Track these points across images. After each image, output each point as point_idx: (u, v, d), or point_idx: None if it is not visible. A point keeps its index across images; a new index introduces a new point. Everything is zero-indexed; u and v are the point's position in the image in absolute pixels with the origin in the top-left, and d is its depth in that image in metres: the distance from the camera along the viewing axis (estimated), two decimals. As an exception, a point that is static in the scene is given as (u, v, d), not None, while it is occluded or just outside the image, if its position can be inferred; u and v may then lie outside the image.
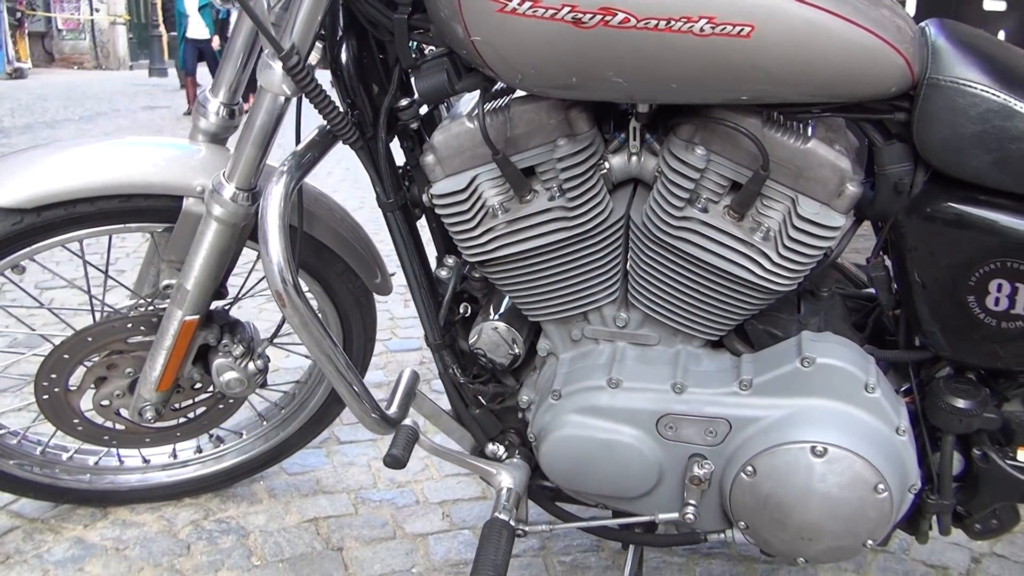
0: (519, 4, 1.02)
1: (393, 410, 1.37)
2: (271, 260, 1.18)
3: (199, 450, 1.85)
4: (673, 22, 1.00)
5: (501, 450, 1.42)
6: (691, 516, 1.28)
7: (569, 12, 1.01)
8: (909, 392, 1.29)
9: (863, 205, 1.17)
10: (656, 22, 1.00)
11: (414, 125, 1.31)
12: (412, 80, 1.26)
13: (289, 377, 2.28)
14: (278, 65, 1.21)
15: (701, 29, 1.01)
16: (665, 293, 1.25)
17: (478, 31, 1.05)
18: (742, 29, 1.01)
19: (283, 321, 1.59)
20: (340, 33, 1.27)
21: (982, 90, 1.07)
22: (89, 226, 1.42)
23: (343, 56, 1.27)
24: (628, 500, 1.34)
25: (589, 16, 1.00)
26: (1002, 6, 2.81)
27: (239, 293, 1.66)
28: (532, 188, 1.22)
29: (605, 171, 1.23)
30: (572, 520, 1.45)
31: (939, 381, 1.25)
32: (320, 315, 1.63)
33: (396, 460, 1.28)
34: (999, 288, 1.12)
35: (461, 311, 1.44)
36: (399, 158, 1.34)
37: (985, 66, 1.10)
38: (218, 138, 1.47)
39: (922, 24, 1.21)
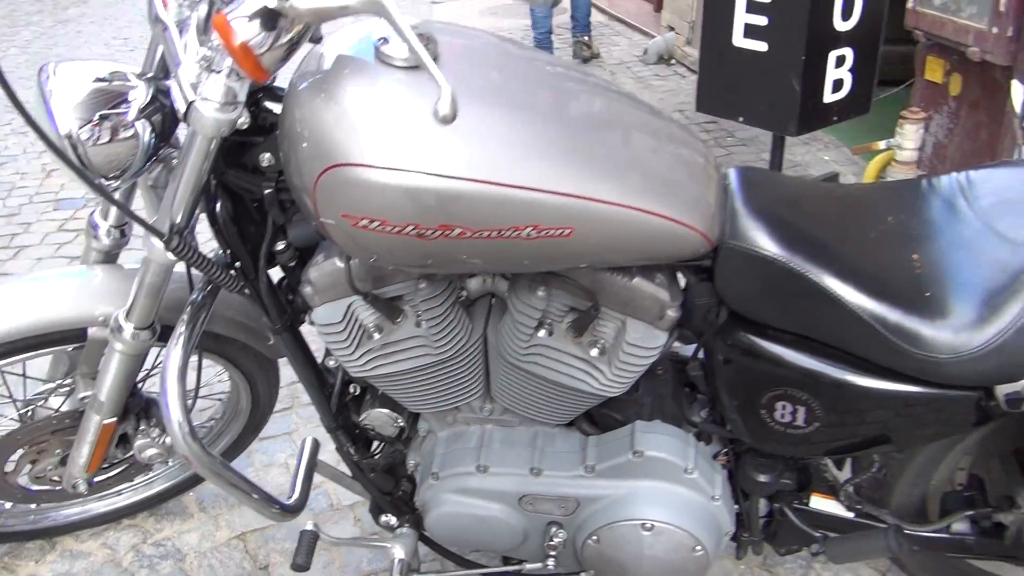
0: (368, 223, 1.17)
1: (295, 497, 1.59)
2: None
3: (131, 479, 2.06)
4: (504, 231, 1.17)
5: (393, 520, 1.66)
6: (552, 566, 1.56)
7: (413, 229, 1.16)
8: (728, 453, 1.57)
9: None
10: (489, 232, 1.17)
11: (292, 263, 1.46)
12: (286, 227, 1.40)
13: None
14: (160, 243, 1.35)
15: (528, 235, 1.18)
16: (519, 396, 1.47)
17: (329, 220, 1.17)
18: (563, 231, 1.19)
19: (198, 382, 1.76)
20: (215, 194, 1.39)
21: (769, 255, 1.28)
22: (4, 358, 1.58)
23: (219, 212, 1.40)
24: (501, 553, 1.61)
25: (431, 231, 1.17)
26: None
27: (152, 367, 1.82)
28: (402, 310, 1.40)
29: (463, 296, 1.42)
30: (466, 563, 1.73)
31: (746, 456, 1.52)
32: (231, 384, 1.82)
33: (301, 567, 1.52)
34: (784, 407, 1.37)
35: (351, 391, 1.64)
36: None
37: (773, 231, 1.30)
38: (111, 255, 1.60)
39: (726, 172, 1.39)
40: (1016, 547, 1.41)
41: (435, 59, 1.14)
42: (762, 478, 1.50)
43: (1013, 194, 1.35)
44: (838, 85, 3.01)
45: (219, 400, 2.06)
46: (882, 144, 3.63)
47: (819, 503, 1.57)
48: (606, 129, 1.24)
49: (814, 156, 4.15)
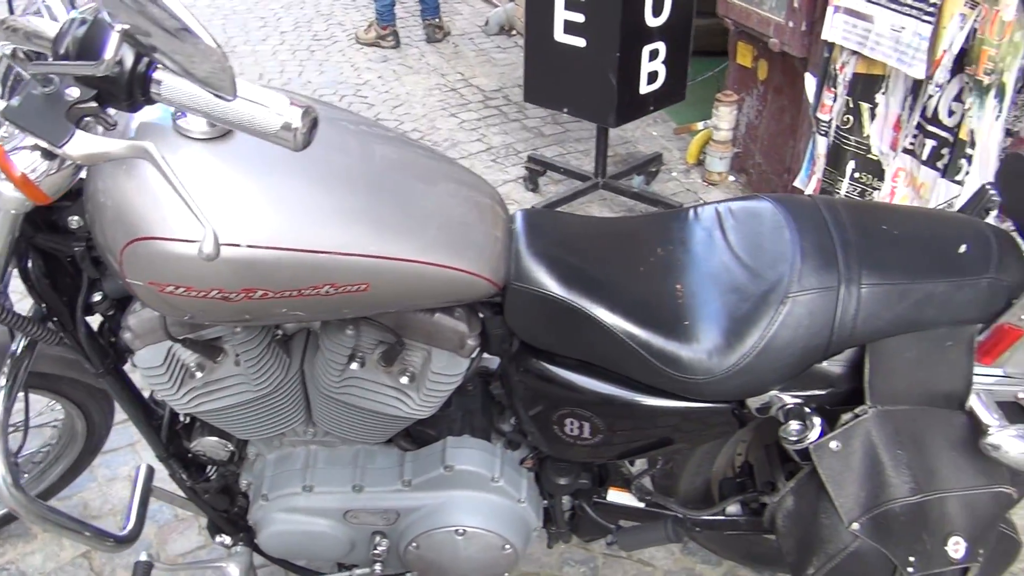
0: (174, 289, 1.25)
1: (129, 527, 1.67)
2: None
3: (-32, 507, 2.09)
4: (304, 290, 1.28)
5: (228, 540, 1.77)
6: (379, 570, 1.71)
7: (218, 294, 1.26)
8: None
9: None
10: (290, 292, 1.28)
11: (110, 312, 1.52)
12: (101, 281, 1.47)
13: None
14: None
15: (327, 292, 1.29)
16: (337, 422, 1.60)
17: (137, 283, 1.24)
18: (360, 287, 1.31)
19: (27, 418, 1.80)
20: (26, 253, 1.43)
21: (549, 294, 1.43)
22: None
23: (32, 270, 1.44)
24: (331, 561, 1.75)
25: (234, 295, 1.26)
26: None
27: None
28: (222, 349, 1.49)
29: (279, 334, 1.53)
30: (302, 571, 1.86)
31: (547, 461, 1.69)
32: (64, 413, 1.87)
33: None
34: (572, 423, 1.54)
35: (182, 419, 1.72)
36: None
37: (553, 271, 1.45)
38: None
39: (513, 215, 1.54)
40: (772, 524, 1.63)
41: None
42: (562, 480, 1.68)
43: (757, 226, 1.53)
44: (653, 77, 3.20)
45: (53, 427, 2.10)
46: (700, 125, 3.87)
47: (616, 496, 1.77)
48: (398, 187, 1.36)
49: (644, 132, 4.37)
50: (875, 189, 2.85)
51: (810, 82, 3.03)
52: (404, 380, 1.51)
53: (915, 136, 2.66)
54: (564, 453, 1.62)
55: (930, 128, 2.59)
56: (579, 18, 3.06)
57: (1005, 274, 1.44)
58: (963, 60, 2.41)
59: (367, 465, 1.68)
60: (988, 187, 1.57)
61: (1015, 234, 1.50)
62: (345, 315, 1.39)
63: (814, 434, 1.46)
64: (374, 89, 4.97)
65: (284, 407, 1.57)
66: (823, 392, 1.51)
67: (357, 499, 1.65)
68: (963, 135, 2.44)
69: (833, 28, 2.82)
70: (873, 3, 2.66)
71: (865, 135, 2.83)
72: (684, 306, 1.47)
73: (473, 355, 1.52)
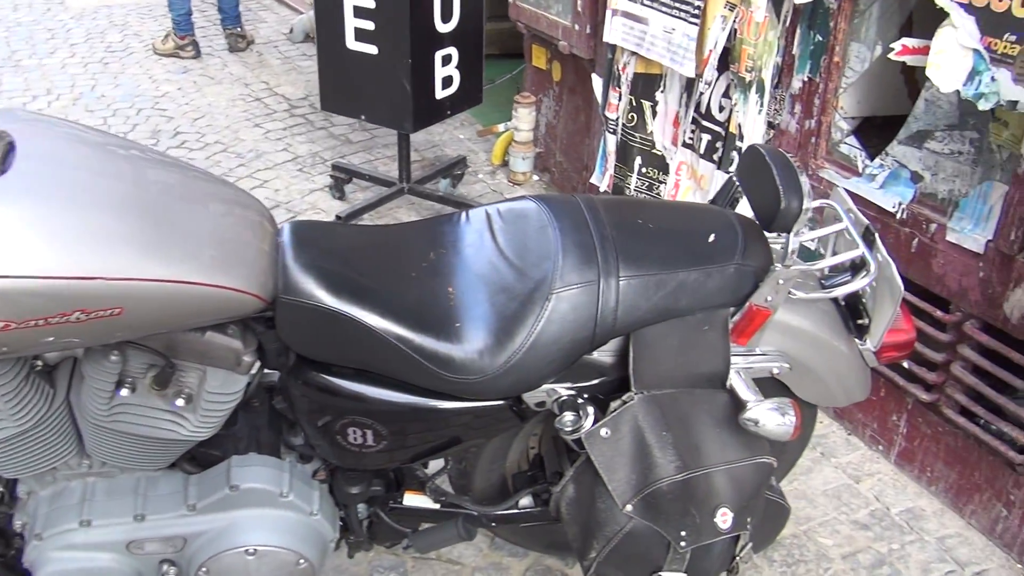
0: None
1: None
2: None
3: None
4: (51, 319, 1.23)
5: None
6: None
7: None
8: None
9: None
10: (35, 322, 1.23)
11: None
12: None
13: None
14: None
15: (78, 318, 1.25)
16: (112, 452, 1.54)
17: None
18: (112, 311, 1.26)
19: None
20: None
21: (319, 305, 1.43)
22: None
23: None
24: None
25: None
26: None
27: None
28: None
29: (39, 365, 1.46)
30: None
31: (338, 471, 1.69)
32: None
33: None
34: (354, 431, 1.54)
35: None
36: None
37: (323, 282, 1.45)
38: None
39: (281, 227, 1.53)
40: (557, 512, 1.69)
41: (10, 150, 1.24)
42: (354, 489, 1.68)
43: (524, 226, 1.59)
44: (448, 82, 3.24)
45: None
46: (501, 127, 3.95)
47: (412, 500, 1.78)
48: (162, 208, 1.34)
49: (451, 135, 4.42)
50: (661, 183, 2.99)
51: (597, 82, 3.14)
52: (180, 402, 1.47)
53: (692, 131, 2.81)
54: (351, 462, 1.62)
55: (704, 123, 2.75)
56: (369, 26, 3.06)
57: (750, 259, 1.55)
58: (727, 59, 2.57)
59: (149, 492, 1.62)
60: (734, 179, 1.69)
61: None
62: (106, 341, 1.35)
63: (588, 423, 1.53)
64: (174, 101, 4.79)
65: (51, 441, 1.50)
66: (596, 382, 1.58)
67: (140, 529, 1.59)
68: (732, 129, 2.60)
69: (613, 31, 2.94)
70: (647, 6, 2.79)
71: (649, 132, 2.97)
72: (455, 308, 1.51)
73: (252, 372, 1.50)
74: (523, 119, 3.80)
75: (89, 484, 1.62)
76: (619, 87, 3.01)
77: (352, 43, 3.13)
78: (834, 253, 1.68)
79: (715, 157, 2.73)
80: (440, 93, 3.22)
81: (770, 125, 2.56)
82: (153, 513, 1.60)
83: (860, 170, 2.34)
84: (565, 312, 1.47)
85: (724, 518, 1.54)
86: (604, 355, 1.57)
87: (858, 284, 1.59)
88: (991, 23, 1.88)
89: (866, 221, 1.65)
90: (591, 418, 1.53)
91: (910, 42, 2.12)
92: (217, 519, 1.61)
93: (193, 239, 1.34)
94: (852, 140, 2.37)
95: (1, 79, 5.01)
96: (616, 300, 1.49)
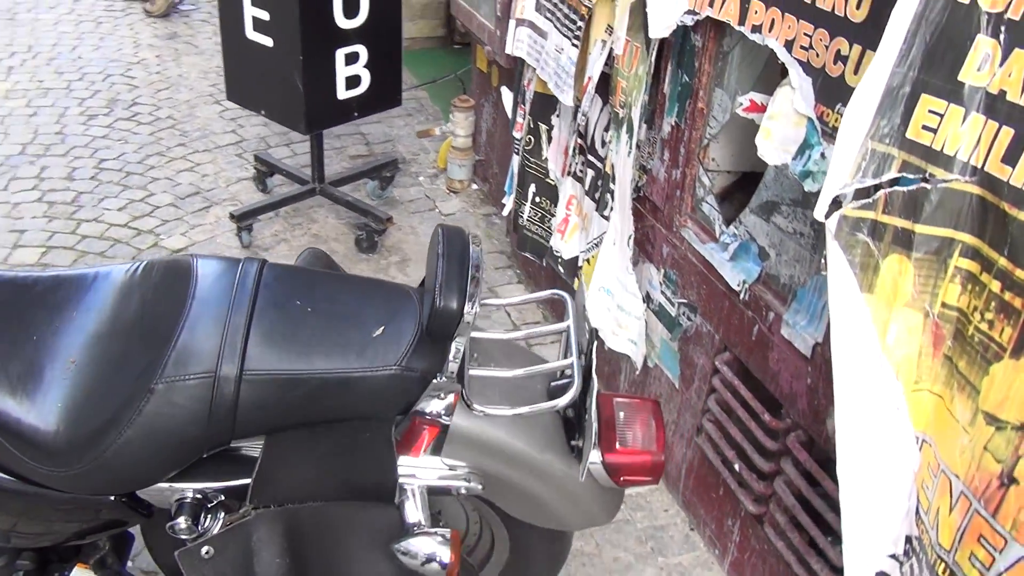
0: None
1: None
2: None
3: None
4: None
5: None
6: None
7: None
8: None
9: None
10: None
11: None
12: None
13: None
14: None
15: None
16: None
17: None
18: None
19: None
20: None
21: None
22: None
23: None
24: None
25: None
26: None
27: None
28: None
29: None
30: None
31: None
32: None
33: None
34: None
35: None
36: None
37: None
38: None
39: None
40: None
41: None
42: None
43: (170, 290, 1.35)
44: (354, 82, 3.00)
45: None
46: (437, 130, 3.70)
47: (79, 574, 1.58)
48: None
49: (409, 131, 4.18)
50: (552, 215, 2.70)
51: (507, 97, 2.87)
52: None
53: (582, 164, 2.51)
54: None
55: (589, 157, 2.45)
56: (265, 16, 2.84)
57: (417, 363, 1.29)
58: (608, 89, 2.27)
59: None
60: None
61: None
62: None
63: (217, 527, 1.31)
64: (146, 69, 4.67)
65: None
66: (237, 483, 1.35)
67: None
68: (607, 168, 2.30)
69: (518, 42, 2.65)
70: (548, 18, 2.49)
71: (544, 158, 2.68)
72: (65, 384, 1.29)
73: None
74: (460, 124, 3.53)
75: None
76: (524, 105, 2.72)
77: (251, 32, 2.91)
78: (563, 356, 1.40)
79: (596, 196, 2.44)
80: (343, 94, 2.98)
81: (643, 169, 2.26)
82: None
83: (717, 235, 2.02)
84: (170, 405, 1.24)
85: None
86: (250, 452, 1.34)
87: (549, 405, 1.32)
88: (826, 89, 1.55)
89: (592, 326, 1.38)
90: (220, 524, 1.31)
91: (759, 98, 1.80)
92: None
93: None
94: (712, 200, 2.05)
95: (-13, 33, 4.98)
96: (235, 398, 1.25)
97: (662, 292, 2.25)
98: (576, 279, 2.57)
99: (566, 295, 1.44)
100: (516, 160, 2.83)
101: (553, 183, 2.68)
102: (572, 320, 1.39)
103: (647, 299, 2.32)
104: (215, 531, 1.31)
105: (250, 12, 2.87)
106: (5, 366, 1.29)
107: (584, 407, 1.36)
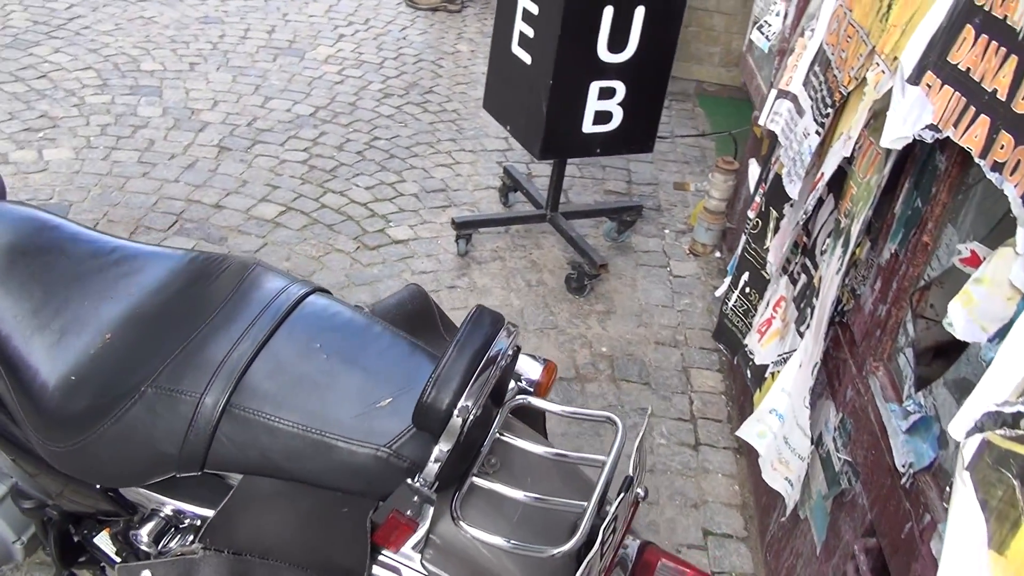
0: None
1: None
2: None
3: None
4: None
5: None
6: None
7: None
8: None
9: None
10: None
11: None
12: None
13: None
14: None
15: None
16: None
17: None
18: None
19: None
20: None
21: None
22: None
23: None
24: None
25: None
26: None
27: None
28: None
29: None
30: None
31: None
32: None
33: None
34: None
35: None
36: None
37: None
38: None
39: None
40: None
41: None
42: (26, 503, 1.52)
43: (212, 288, 1.29)
44: (604, 117, 2.84)
45: None
46: (692, 187, 3.44)
47: (102, 539, 1.58)
48: None
49: (681, 175, 3.95)
50: (755, 311, 2.39)
51: (753, 170, 2.58)
52: None
53: (800, 267, 2.19)
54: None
55: (806, 262, 2.12)
56: (531, 32, 2.76)
57: (408, 451, 1.13)
58: (840, 192, 1.94)
59: None
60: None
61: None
62: None
63: (176, 544, 1.23)
64: (456, 62, 4.81)
65: None
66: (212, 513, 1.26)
67: None
68: (816, 280, 1.97)
69: (775, 115, 2.36)
70: (810, 96, 2.19)
71: (765, 247, 2.37)
72: (88, 357, 1.26)
73: None
74: (717, 185, 3.26)
75: None
76: (765, 184, 2.43)
77: (515, 47, 2.85)
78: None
79: (800, 306, 2.10)
80: (589, 127, 2.83)
81: (853, 292, 1.91)
82: None
83: (903, 397, 1.64)
84: (152, 415, 1.17)
85: None
86: (231, 482, 1.25)
87: (535, 548, 1.10)
88: (1052, 265, 1.17)
89: (630, 473, 1.13)
90: (182, 540, 1.24)
91: (983, 251, 1.42)
92: None
93: None
94: (910, 354, 1.67)
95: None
96: (213, 428, 1.15)
97: (833, 439, 1.89)
98: (758, 389, 2.25)
99: (619, 422, 1.20)
100: (743, 241, 2.54)
101: (767, 276, 2.37)
102: (612, 456, 1.16)
103: (818, 442, 1.97)
104: (175, 546, 1.23)
105: (519, 26, 2.81)
106: (50, 321, 1.29)
107: (587, 559, 1.12)
